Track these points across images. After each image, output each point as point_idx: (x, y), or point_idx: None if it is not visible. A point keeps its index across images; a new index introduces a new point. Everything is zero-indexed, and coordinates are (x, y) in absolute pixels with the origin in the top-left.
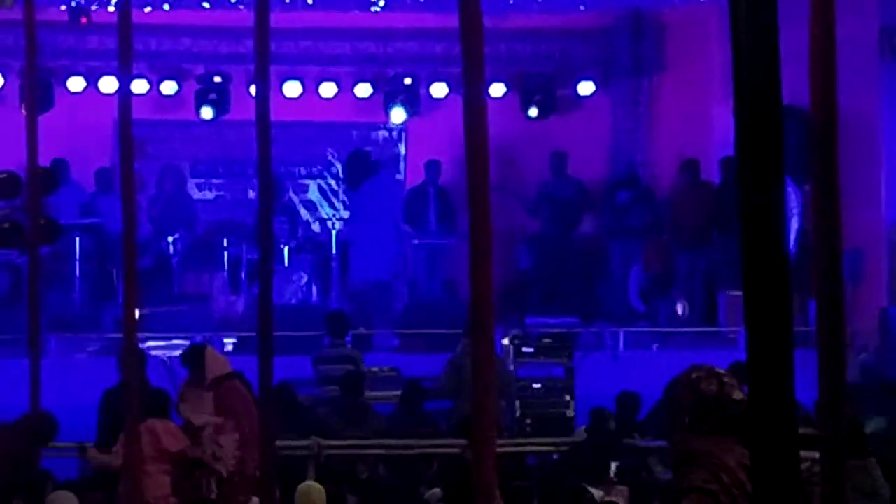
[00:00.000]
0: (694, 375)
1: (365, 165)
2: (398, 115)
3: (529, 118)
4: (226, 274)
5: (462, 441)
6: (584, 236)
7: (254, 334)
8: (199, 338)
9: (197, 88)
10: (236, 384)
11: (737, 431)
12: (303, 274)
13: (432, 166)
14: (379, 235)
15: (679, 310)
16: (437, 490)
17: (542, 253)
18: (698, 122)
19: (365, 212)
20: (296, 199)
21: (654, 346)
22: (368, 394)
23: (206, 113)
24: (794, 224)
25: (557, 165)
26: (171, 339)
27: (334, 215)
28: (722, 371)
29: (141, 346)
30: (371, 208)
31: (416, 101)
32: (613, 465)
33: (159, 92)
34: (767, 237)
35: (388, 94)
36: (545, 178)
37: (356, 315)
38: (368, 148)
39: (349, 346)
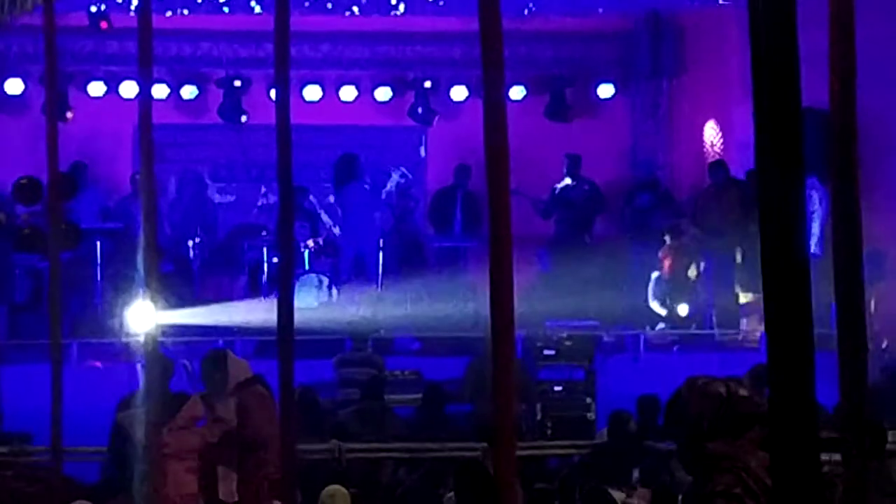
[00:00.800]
0: (700, 383)
1: (350, 169)
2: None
3: (549, 121)
4: (246, 278)
5: (483, 444)
6: (602, 238)
7: (274, 338)
8: (219, 342)
9: (217, 92)
10: (258, 388)
11: (753, 429)
12: (323, 278)
13: (462, 170)
14: (361, 239)
15: (683, 311)
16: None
17: (559, 255)
18: (718, 123)
19: (349, 215)
20: (316, 202)
21: (675, 349)
22: (389, 397)
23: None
24: (816, 223)
25: (572, 167)
26: (191, 342)
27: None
28: (718, 376)
29: (163, 350)
30: (354, 212)
31: (436, 103)
32: (636, 471)
33: (179, 96)
34: (787, 239)
35: (407, 97)
36: (559, 180)
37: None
38: (357, 153)
39: (370, 349)
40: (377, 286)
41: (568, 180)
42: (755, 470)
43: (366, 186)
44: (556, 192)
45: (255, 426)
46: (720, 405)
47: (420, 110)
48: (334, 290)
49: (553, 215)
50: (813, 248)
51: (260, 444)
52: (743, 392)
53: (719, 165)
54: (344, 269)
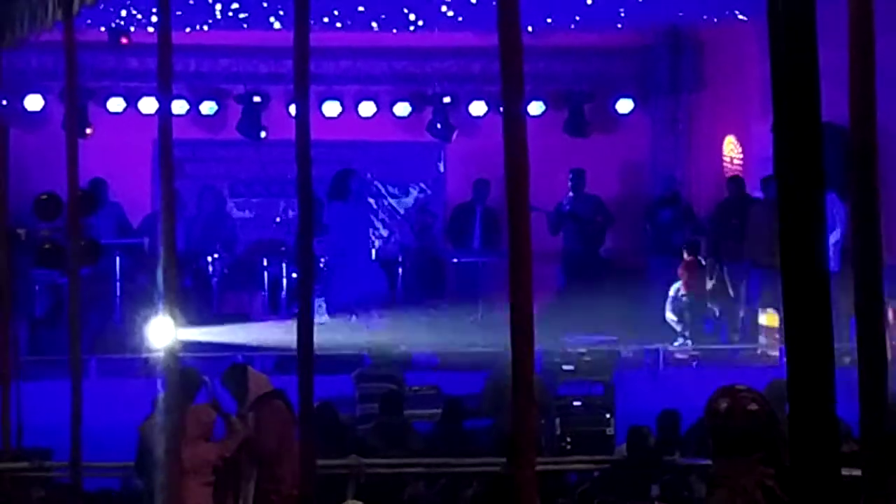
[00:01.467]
0: (712, 397)
1: (346, 184)
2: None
3: (567, 136)
4: (266, 293)
5: (502, 459)
6: (618, 253)
7: (293, 353)
8: (239, 357)
9: (236, 108)
10: (278, 403)
11: (758, 447)
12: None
13: (481, 185)
14: (354, 255)
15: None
16: None
17: (573, 271)
18: (737, 139)
19: (342, 229)
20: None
21: (694, 364)
22: (409, 412)
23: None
24: (836, 238)
25: (576, 183)
26: (210, 358)
27: (373, 233)
28: (741, 387)
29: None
30: (347, 227)
31: (455, 119)
32: (655, 486)
33: (198, 112)
34: (807, 253)
35: (426, 112)
36: (565, 196)
37: None
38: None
39: (390, 364)
40: (396, 302)
41: (572, 195)
42: (749, 490)
43: (368, 202)
44: (562, 207)
45: (271, 441)
46: (717, 422)
47: (439, 126)
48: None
49: (560, 231)
50: (831, 264)
51: (276, 459)
52: (752, 407)
53: (734, 181)
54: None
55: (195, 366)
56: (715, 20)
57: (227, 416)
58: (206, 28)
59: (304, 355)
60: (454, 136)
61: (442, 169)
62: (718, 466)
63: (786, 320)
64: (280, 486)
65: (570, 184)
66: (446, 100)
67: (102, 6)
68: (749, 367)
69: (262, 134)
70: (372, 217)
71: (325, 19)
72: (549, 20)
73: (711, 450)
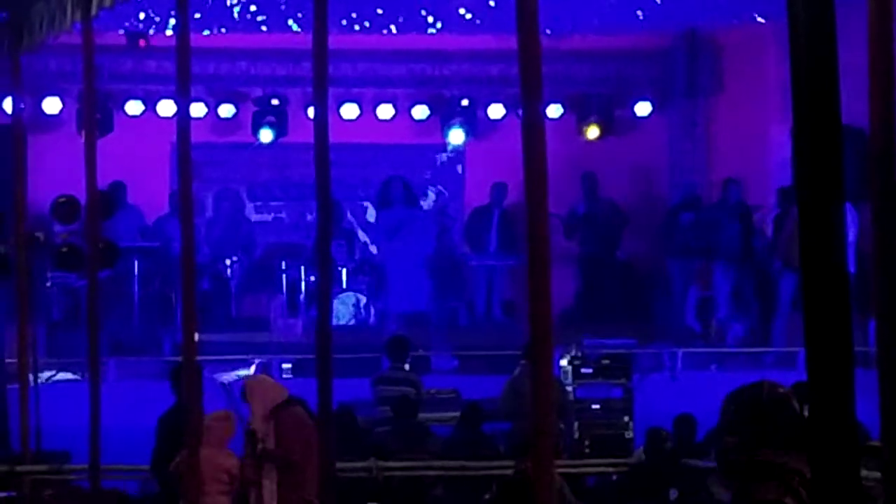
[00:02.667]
0: (756, 385)
1: (398, 192)
2: (457, 136)
3: (586, 139)
4: (284, 297)
5: (521, 462)
6: (637, 257)
7: (312, 357)
8: (257, 360)
9: (254, 111)
10: (297, 409)
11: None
12: (360, 297)
13: (498, 188)
14: (411, 263)
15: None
16: None
17: (590, 274)
18: (755, 142)
19: (399, 237)
20: (354, 221)
21: (713, 367)
22: (427, 415)
23: (265, 136)
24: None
25: (589, 187)
26: (229, 361)
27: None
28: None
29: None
30: (403, 235)
31: (473, 122)
32: (673, 490)
33: (217, 115)
34: (827, 257)
35: (445, 115)
36: (577, 200)
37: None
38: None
39: (408, 369)
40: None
41: (585, 199)
42: (802, 486)
43: (421, 207)
44: (576, 211)
45: (293, 447)
46: (773, 408)
47: (458, 128)
48: (371, 309)
49: (575, 235)
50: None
51: (297, 466)
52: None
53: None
54: (386, 289)
55: (215, 369)
56: (733, 23)
57: (250, 425)
58: (224, 31)
59: (323, 359)
60: (472, 139)
61: (460, 171)
62: (766, 456)
63: (806, 323)
64: (301, 492)
65: (582, 188)
66: (465, 103)
67: (120, 9)
68: (768, 370)
69: (269, 138)
70: (422, 221)
71: (344, 22)
72: (567, 23)
73: (751, 438)
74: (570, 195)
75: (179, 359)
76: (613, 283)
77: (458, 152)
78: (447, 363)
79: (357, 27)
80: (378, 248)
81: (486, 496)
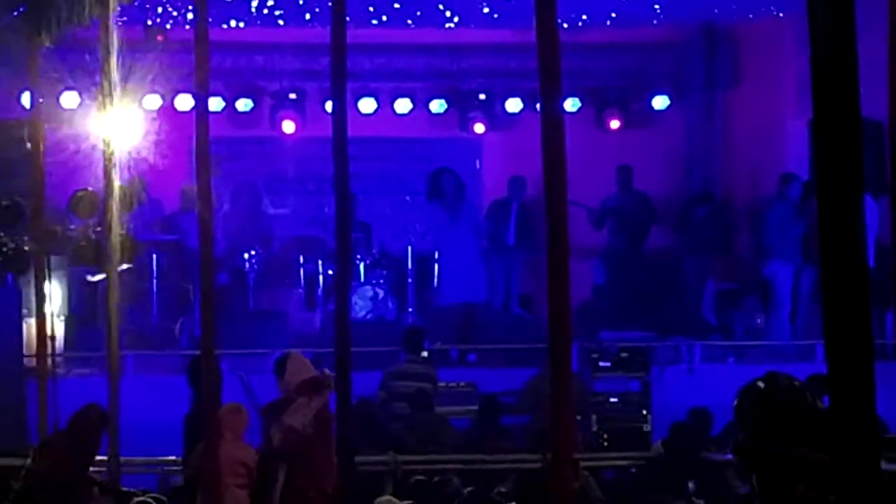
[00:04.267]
0: (791, 379)
1: (449, 184)
2: (479, 127)
3: (603, 132)
4: (302, 290)
5: (539, 456)
6: (656, 250)
7: (330, 350)
8: (276, 354)
9: (272, 105)
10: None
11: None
12: (378, 290)
13: (517, 181)
14: (465, 254)
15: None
16: None
17: (614, 267)
18: (773, 135)
19: (450, 229)
20: (371, 214)
21: (731, 360)
22: (445, 408)
23: (288, 127)
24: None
25: (623, 179)
26: (247, 355)
27: (410, 231)
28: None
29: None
30: (456, 226)
31: (491, 116)
32: (691, 483)
33: (234, 109)
34: (847, 250)
35: (462, 109)
36: (611, 192)
37: (434, 331)
38: (446, 165)
39: (424, 361)
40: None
41: (619, 192)
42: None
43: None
44: (608, 203)
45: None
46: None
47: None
48: (389, 303)
49: (605, 226)
50: None
51: (310, 451)
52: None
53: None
54: (436, 281)
55: (233, 362)
56: (751, 16)
57: (277, 412)
58: (242, 25)
59: (341, 352)
60: (488, 132)
61: (478, 165)
62: (781, 449)
63: (825, 316)
64: (317, 482)
65: (616, 181)
66: (482, 96)
67: (139, 3)
68: (786, 362)
69: (292, 129)
70: (473, 213)
71: (361, 16)
72: (585, 17)
73: (766, 430)
74: (586, 188)
75: (197, 352)
76: (636, 276)
77: (476, 145)
78: (465, 356)
79: (375, 21)
80: (427, 240)
81: (501, 489)
